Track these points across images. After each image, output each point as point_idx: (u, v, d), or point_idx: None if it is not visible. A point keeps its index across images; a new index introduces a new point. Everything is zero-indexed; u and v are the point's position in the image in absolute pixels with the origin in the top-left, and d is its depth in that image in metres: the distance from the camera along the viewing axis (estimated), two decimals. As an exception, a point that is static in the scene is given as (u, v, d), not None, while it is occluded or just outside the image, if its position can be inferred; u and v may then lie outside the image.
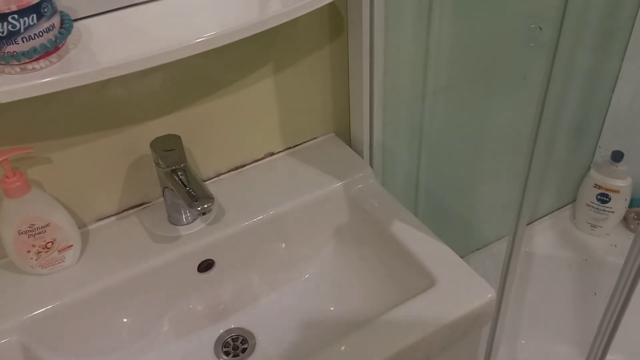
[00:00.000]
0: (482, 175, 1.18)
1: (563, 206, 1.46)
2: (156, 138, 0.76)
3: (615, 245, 1.37)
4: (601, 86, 1.25)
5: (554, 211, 1.45)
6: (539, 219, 1.43)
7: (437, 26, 0.91)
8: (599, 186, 1.34)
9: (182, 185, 0.72)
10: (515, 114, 1.10)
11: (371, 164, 0.98)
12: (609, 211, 1.36)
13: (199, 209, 0.69)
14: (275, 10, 0.68)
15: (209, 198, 0.70)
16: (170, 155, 0.74)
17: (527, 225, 1.40)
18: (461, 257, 0.78)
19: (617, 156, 1.30)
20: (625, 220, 1.41)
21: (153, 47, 0.64)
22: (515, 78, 1.05)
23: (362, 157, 0.98)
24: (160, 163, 0.75)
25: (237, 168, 0.94)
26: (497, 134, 1.13)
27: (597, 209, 1.37)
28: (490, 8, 0.95)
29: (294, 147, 0.98)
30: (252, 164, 0.95)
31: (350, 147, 1.00)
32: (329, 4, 0.83)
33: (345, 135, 1.01)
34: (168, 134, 0.77)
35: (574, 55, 1.11)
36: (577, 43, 1.09)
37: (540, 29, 0.90)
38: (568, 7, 0.64)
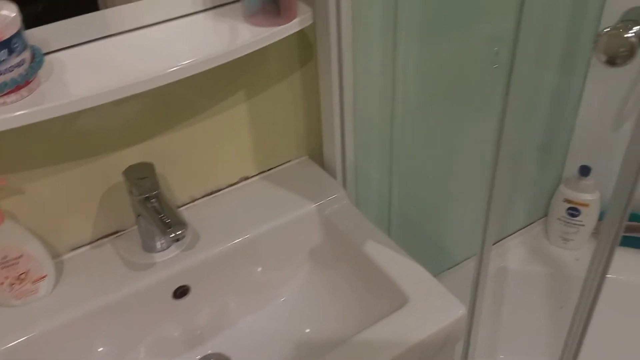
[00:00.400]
0: (452, 195, 1.21)
1: (535, 221, 1.49)
2: (129, 166, 0.77)
3: (578, 259, 1.40)
4: (567, 103, 1.29)
5: (526, 226, 1.48)
6: (512, 234, 1.45)
7: (403, 49, 0.94)
8: (569, 200, 1.38)
9: (155, 212, 0.73)
10: (482, 134, 1.13)
11: (344, 186, 1.00)
12: (579, 225, 1.39)
13: (172, 235, 0.70)
14: (244, 41, 0.70)
15: (182, 224, 0.71)
16: (143, 183, 0.75)
17: (500, 241, 1.44)
18: (435, 276, 0.80)
19: (584, 171, 1.34)
20: (596, 233, 1.44)
21: (125, 78, 0.65)
22: (481, 99, 1.08)
23: (336, 179, 0.99)
24: (134, 191, 0.75)
25: (212, 193, 0.95)
26: (465, 153, 1.16)
27: (568, 223, 1.40)
28: (456, 31, 0.98)
29: (268, 170, 1.00)
30: (227, 189, 0.96)
31: (324, 169, 1.01)
32: (298, 32, 0.85)
33: (318, 157, 1.02)
34: (141, 162, 0.78)
35: (535, 75, 1.15)
36: (538, 63, 1.13)
37: (498, 52, 0.93)
38: (523, 29, 0.67)
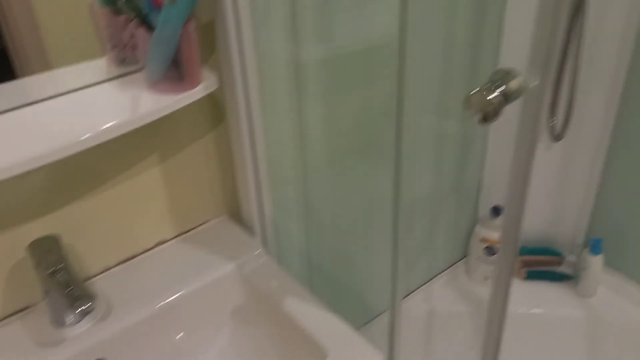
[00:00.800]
0: (369, 246, 1.24)
1: (457, 261, 1.54)
2: (33, 241, 0.75)
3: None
4: (474, 147, 1.37)
5: (449, 267, 1.52)
6: (437, 275, 1.50)
7: (310, 108, 0.98)
8: (485, 240, 1.44)
9: (62, 286, 0.70)
10: (389, 185, 1.18)
11: (265, 243, 1.01)
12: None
13: (80, 309, 0.68)
14: (146, 109, 0.71)
15: (90, 297, 0.69)
16: (48, 256, 0.73)
17: (426, 283, 1.47)
18: (361, 327, 0.81)
19: (495, 211, 1.41)
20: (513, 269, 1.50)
21: (25, 153, 0.64)
22: (386, 151, 1.13)
23: (255, 237, 1.00)
24: (39, 266, 0.73)
25: (126, 260, 0.93)
26: (377, 205, 1.19)
27: (487, 261, 1.46)
28: (356, 89, 1.02)
29: (185, 232, 0.99)
30: (143, 255, 0.94)
31: (243, 227, 1.02)
32: (207, 95, 0.87)
33: (237, 216, 1.03)
34: (45, 235, 0.76)
35: (438, 122, 1.21)
36: (439, 111, 1.20)
37: (385, 113, 0.99)
38: (408, 82, 0.71)
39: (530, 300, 1.46)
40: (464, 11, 1.09)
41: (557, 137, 1.30)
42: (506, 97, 0.54)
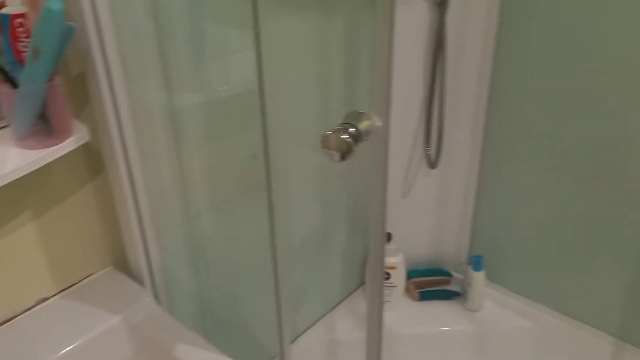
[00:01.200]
0: (257, 289, 1.25)
1: (355, 289, 1.59)
2: None
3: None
4: (359, 178, 1.44)
5: (348, 296, 1.57)
6: (336, 305, 1.54)
7: (187, 155, 1.00)
8: (378, 266, 1.50)
9: None
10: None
11: (154, 291, 1.00)
12: (392, 286, 1.52)
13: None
14: (13, 166, 0.70)
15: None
16: None
17: (327, 314, 1.51)
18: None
19: (387, 236, 1.48)
20: (407, 291, 1.58)
21: None
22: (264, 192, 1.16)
23: (143, 286, 0.99)
24: None
25: (5, 322, 0.89)
26: (260, 246, 1.21)
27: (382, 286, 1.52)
28: (232, 132, 1.05)
29: (69, 287, 0.96)
30: (23, 314, 0.91)
31: (131, 277, 1.00)
32: (84, 146, 0.86)
33: (123, 266, 1.01)
34: None
35: (319, 159, 1.27)
36: (312, 148, 1.25)
37: (254, 156, 1.03)
38: (272, 124, 0.75)
39: (425, 319, 1.53)
40: (335, 53, 1.17)
41: (432, 164, 1.40)
42: (357, 137, 0.59)
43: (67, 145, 0.76)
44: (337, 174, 1.33)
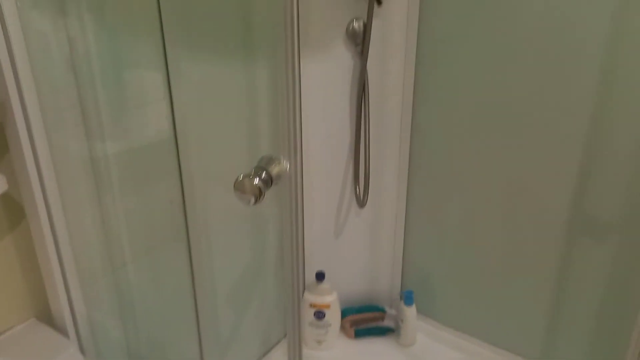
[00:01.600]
0: (185, 335, 1.24)
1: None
2: None
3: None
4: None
5: (285, 336, 1.57)
6: (274, 347, 1.54)
7: (110, 204, 1.00)
8: (313, 305, 1.52)
9: None
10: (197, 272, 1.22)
11: (79, 342, 0.98)
12: (327, 325, 1.54)
13: None
14: None
15: None
16: None
17: (264, 356, 1.50)
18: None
19: (319, 276, 1.51)
20: (343, 329, 1.60)
21: None
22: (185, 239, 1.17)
23: (68, 337, 0.97)
24: None
25: None
26: (185, 293, 1.22)
27: (317, 325, 1.54)
28: (151, 180, 1.06)
29: (-13, 342, 0.93)
30: None
31: (54, 329, 0.98)
32: (3, 196, 0.85)
33: (47, 317, 0.99)
34: None
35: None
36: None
37: (172, 201, 1.05)
38: (187, 170, 0.77)
39: (360, 357, 1.55)
40: (254, 100, 1.21)
41: (361, 204, 1.45)
42: (269, 181, 0.62)
43: (-18, 197, 0.75)
44: (262, 218, 1.36)
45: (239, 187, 0.62)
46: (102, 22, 0.90)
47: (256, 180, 0.61)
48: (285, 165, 0.63)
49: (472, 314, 1.52)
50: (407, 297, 1.53)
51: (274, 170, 0.63)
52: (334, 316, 1.55)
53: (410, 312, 1.53)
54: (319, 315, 1.53)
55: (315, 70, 1.31)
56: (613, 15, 1.06)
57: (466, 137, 1.33)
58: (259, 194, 0.61)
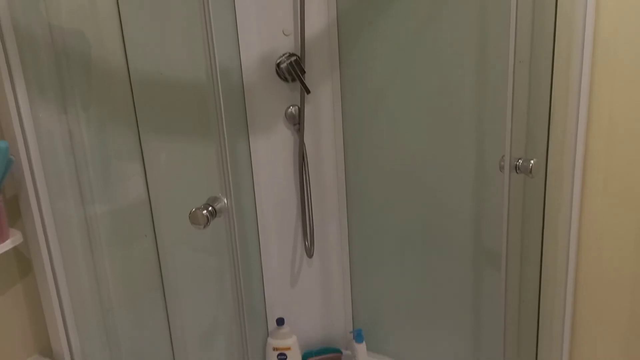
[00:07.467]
0: None
1: (260, 374, 1.81)
2: None
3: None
4: (252, 273, 1.72)
5: (253, 380, 1.78)
6: (243, 389, 1.73)
7: (99, 259, 1.26)
8: (276, 348, 1.75)
9: None
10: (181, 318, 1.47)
11: (75, 375, 1.21)
12: (289, 366, 1.75)
13: None
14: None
15: None
16: None
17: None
18: None
19: (280, 322, 1.74)
20: (306, 370, 1.81)
21: None
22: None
23: (65, 366, 1.19)
24: None
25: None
26: (164, 336, 1.45)
27: (281, 366, 1.75)
28: (135, 238, 1.33)
29: (-1, 374, 1.15)
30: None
31: (54, 361, 1.21)
32: (15, 250, 1.11)
33: (48, 352, 1.22)
34: None
35: (212, 261, 1.56)
36: (214, 252, 1.55)
37: (146, 236, 1.33)
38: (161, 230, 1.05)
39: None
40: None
41: (310, 254, 1.73)
42: (213, 214, 0.91)
43: (5, 245, 1.01)
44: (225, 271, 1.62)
45: (192, 217, 0.90)
46: (92, 118, 1.21)
47: (205, 212, 0.89)
48: (224, 201, 0.92)
49: (414, 344, 1.76)
50: (357, 335, 1.76)
51: (217, 206, 0.92)
52: (295, 357, 1.76)
53: (361, 348, 1.76)
54: (282, 357, 1.75)
55: (263, 146, 1.63)
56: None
57: (391, 185, 1.64)
58: (206, 222, 0.89)
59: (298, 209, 1.73)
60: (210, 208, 0.90)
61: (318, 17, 1.57)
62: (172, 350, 1.40)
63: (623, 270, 1.32)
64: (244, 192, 1.63)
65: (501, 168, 1.15)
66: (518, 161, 1.16)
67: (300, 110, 1.61)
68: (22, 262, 1.17)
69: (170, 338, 1.37)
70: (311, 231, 1.71)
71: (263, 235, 1.71)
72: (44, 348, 1.22)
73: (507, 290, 1.24)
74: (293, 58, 1.57)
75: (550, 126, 1.25)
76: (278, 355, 1.75)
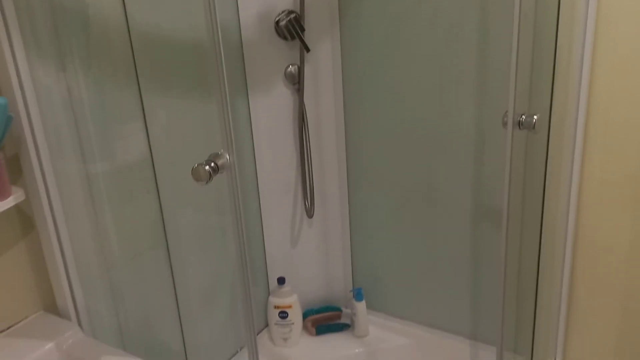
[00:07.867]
0: (170, 318, 1.49)
1: (262, 330, 1.84)
2: None
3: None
4: (253, 232, 1.73)
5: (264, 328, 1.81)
6: (244, 346, 1.77)
7: (100, 215, 1.27)
8: (277, 306, 1.77)
9: None
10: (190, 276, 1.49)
11: (80, 324, 1.22)
12: (290, 324, 1.78)
13: None
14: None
15: None
16: None
17: (235, 354, 1.73)
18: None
19: (280, 281, 1.76)
20: (305, 328, 1.84)
21: None
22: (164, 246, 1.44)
23: (71, 321, 1.21)
24: None
25: (-47, 359, 1.08)
26: (169, 290, 1.47)
27: (282, 324, 1.78)
28: (137, 195, 1.33)
29: (7, 329, 1.16)
30: (-33, 352, 1.10)
31: (60, 317, 1.22)
32: (16, 207, 1.11)
33: (54, 309, 1.23)
34: None
35: (219, 220, 1.57)
36: (218, 211, 1.56)
37: (149, 192, 1.33)
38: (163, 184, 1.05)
39: (322, 350, 1.79)
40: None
41: (310, 214, 1.73)
42: (215, 169, 0.91)
43: (7, 202, 1.01)
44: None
45: (194, 173, 0.90)
46: (92, 75, 1.20)
47: (207, 167, 0.89)
48: (227, 157, 0.92)
49: (414, 303, 1.78)
50: (357, 294, 1.79)
51: (219, 161, 0.92)
52: (296, 315, 1.80)
53: (361, 306, 1.79)
54: (283, 314, 1.77)
55: (262, 106, 1.61)
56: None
57: (391, 145, 1.64)
58: (209, 177, 0.89)
59: (298, 170, 1.73)
60: (212, 164, 0.89)
61: (318, -27, 1.55)
62: (177, 305, 1.42)
63: (622, 228, 1.33)
64: (244, 152, 1.63)
65: (504, 124, 1.14)
66: (521, 117, 1.15)
67: (300, 69, 1.59)
68: (25, 219, 1.17)
69: (175, 293, 1.38)
70: (311, 191, 1.72)
71: (263, 196, 1.72)
72: (49, 305, 1.23)
73: (507, 248, 1.26)
74: (292, 15, 1.54)
75: (555, 80, 1.24)
76: (279, 313, 1.77)
